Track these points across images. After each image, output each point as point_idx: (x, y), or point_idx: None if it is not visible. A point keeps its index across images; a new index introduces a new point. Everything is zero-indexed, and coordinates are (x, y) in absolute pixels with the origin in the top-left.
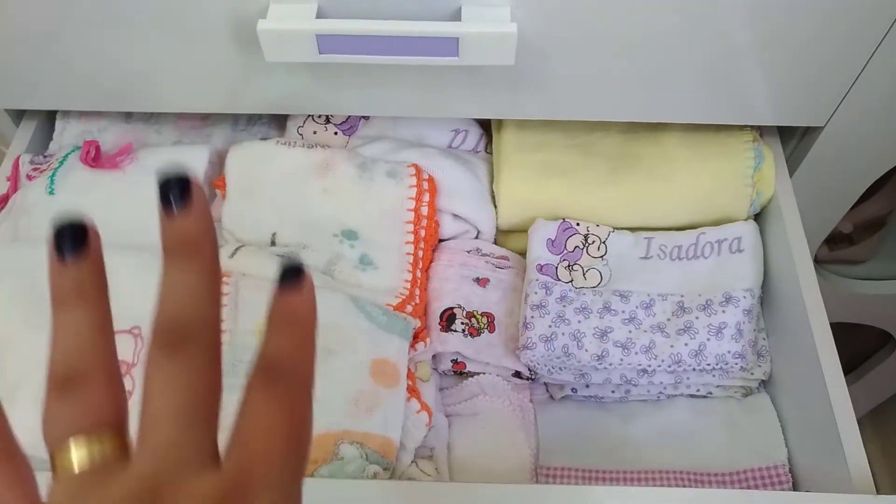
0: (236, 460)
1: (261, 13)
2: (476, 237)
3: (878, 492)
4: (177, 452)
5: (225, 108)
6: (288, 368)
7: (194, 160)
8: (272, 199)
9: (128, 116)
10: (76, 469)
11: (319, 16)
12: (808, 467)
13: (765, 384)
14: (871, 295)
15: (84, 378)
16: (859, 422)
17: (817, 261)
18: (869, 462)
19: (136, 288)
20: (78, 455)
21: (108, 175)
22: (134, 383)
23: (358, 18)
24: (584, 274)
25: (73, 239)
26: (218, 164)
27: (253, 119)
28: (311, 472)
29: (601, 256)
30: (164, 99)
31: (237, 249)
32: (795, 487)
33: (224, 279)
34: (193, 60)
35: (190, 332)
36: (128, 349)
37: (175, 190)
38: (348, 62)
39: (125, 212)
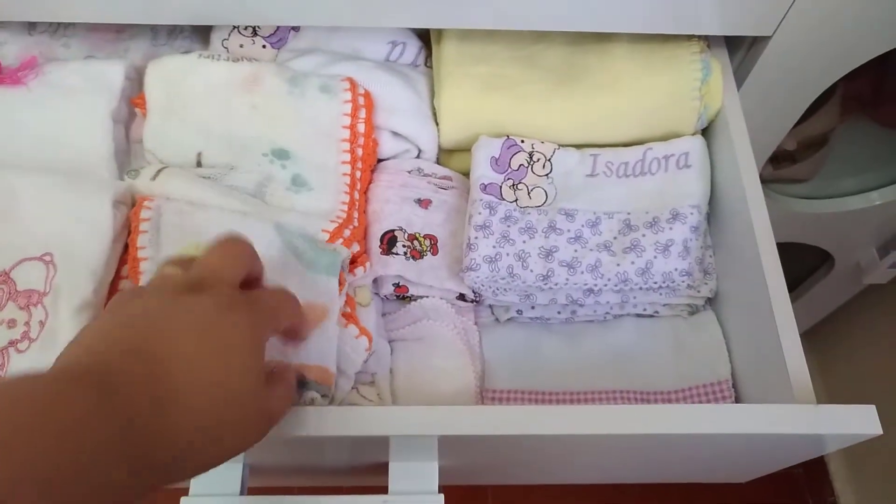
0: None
1: None
2: (417, 156)
3: None
4: (219, 272)
5: (140, 19)
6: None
7: (109, 76)
8: (196, 116)
9: (31, 28)
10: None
11: None
12: (751, 382)
13: (710, 301)
14: (811, 214)
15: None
16: None
17: (761, 179)
18: None
19: (44, 211)
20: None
21: (10, 91)
22: (46, 313)
23: None
24: (528, 193)
25: None
26: (136, 80)
27: (174, 32)
28: None
29: (546, 174)
30: (69, 8)
31: (159, 171)
32: (738, 402)
33: (146, 204)
34: None
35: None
36: (39, 277)
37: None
38: None
39: (30, 130)
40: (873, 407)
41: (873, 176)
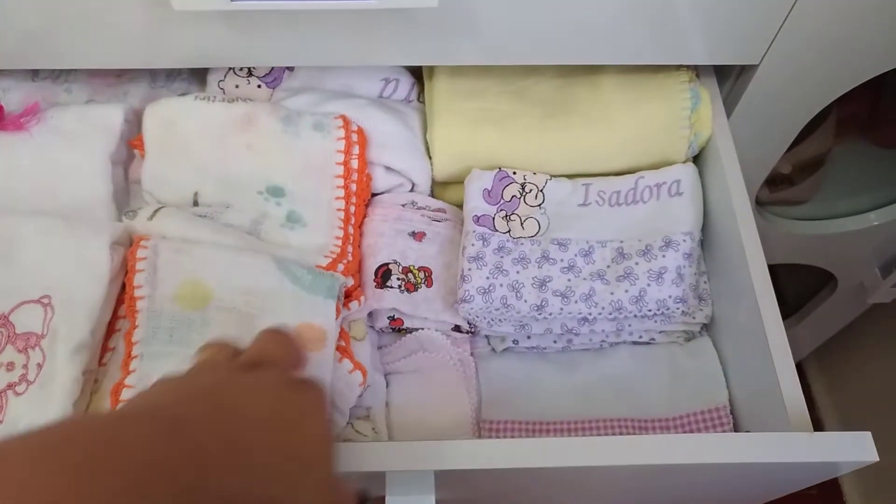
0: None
1: None
2: (411, 190)
3: (823, 426)
4: (275, 357)
5: (138, 64)
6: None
7: (108, 119)
8: (192, 157)
9: (34, 75)
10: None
11: None
12: (748, 408)
13: (707, 327)
14: (811, 235)
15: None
16: (804, 360)
17: (759, 202)
18: (814, 400)
19: (43, 254)
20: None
21: (13, 137)
22: (44, 356)
23: None
24: (521, 223)
25: None
26: (135, 122)
27: (172, 74)
28: None
29: (539, 205)
30: (70, 55)
31: (156, 211)
32: (736, 428)
33: (143, 243)
34: (100, 12)
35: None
36: (37, 319)
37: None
38: (262, 9)
39: (32, 175)
40: (869, 434)
41: (870, 197)
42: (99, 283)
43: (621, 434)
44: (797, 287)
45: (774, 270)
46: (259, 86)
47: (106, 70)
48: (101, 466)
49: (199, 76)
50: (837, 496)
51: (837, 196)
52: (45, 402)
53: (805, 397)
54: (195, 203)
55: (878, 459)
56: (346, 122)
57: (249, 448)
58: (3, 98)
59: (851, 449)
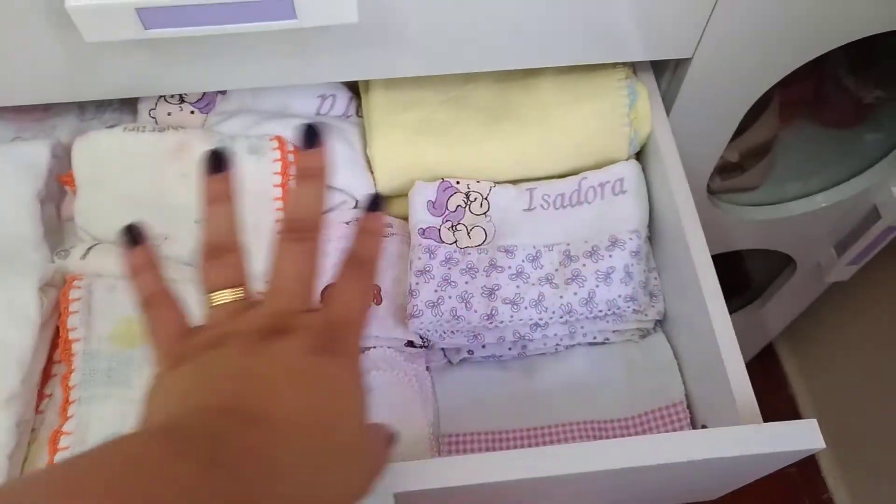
0: (334, 309)
1: None
2: (355, 207)
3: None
4: (296, 299)
5: (64, 98)
6: (369, 261)
7: (34, 157)
8: (126, 190)
9: None
10: (225, 305)
11: None
12: (704, 402)
13: (661, 323)
14: (765, 220)
15: (227, 250)
16: (776, 343)
17: (711, 191)
18: (787, 378)
19: None
20: (228, 297)
21: None
22: None
23: None
24: (468, 233)
25: (220, 161)
26: (65, 157)
27: (102, 106)
28: None
29: (484, 213)
30: None
31: (89, 249)
32: (693, 423)
33: (75, 283)
34: (14, 48)
35: (309, 228)
36: None
37: (312, 136)
38: (179, 35)
39: None
40: (814, 421)
41: (818, 179)
42: (28, 329)
43: (581, 438)
44: (761, 271)
45: (740, 255)
46: (192, 112)
47: (32, 105)
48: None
49: (130, 105)
50: (815, 471)
51: (787, 180)
52: None
53: (777, 377)
54: None
55: (824, 447)
56: (282, 143)
57: (280, 454)
58: None
59: (799, 438)
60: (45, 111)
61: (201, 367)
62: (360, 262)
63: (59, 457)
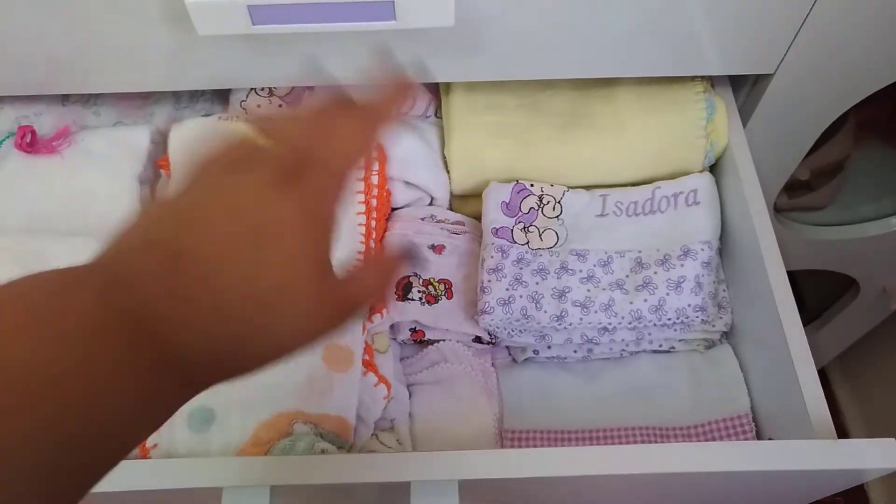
0: (315, 145)
1: None
2: (430, 204)
3: (848, 433)
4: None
5: (163, 86)
6: (379, 116)
7: (135, 140)
8: None
9: (65, 99)
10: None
11: None
12: (770, 416)
13: (727, 335)
14: (831, 240)
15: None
16: (828, 367)
17: (777, 209)
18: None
19: None
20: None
21: (45, 160)
22: None
23: None
24: (540, 235)
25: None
26: (161, 143)
27: (195, 95)
28: (266, 450)
29: (557, 216)
30: (98, 79)
31: None
32: (759, 436)
33: None
34: (126, 39)
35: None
36: None
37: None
38: (283, 32)
39: (63, 197)
40: (893, 440)
41: (891, 201)
42: None
43: (643, 443)
44: (818, 293)
45: (794, 276)
46: (280, 105)
47: (132, 93)
48: (26, 340)
49: (221, 96)
50: (863, 502)
51: (858, 201)
52: None
53: (829, 404)
54: None
55: None
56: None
57: (196, 287)
58: (35, 122)
59: (876, 456)
60: (144, 99)
61: (169, 203)
62: (371, 112)
63: None
